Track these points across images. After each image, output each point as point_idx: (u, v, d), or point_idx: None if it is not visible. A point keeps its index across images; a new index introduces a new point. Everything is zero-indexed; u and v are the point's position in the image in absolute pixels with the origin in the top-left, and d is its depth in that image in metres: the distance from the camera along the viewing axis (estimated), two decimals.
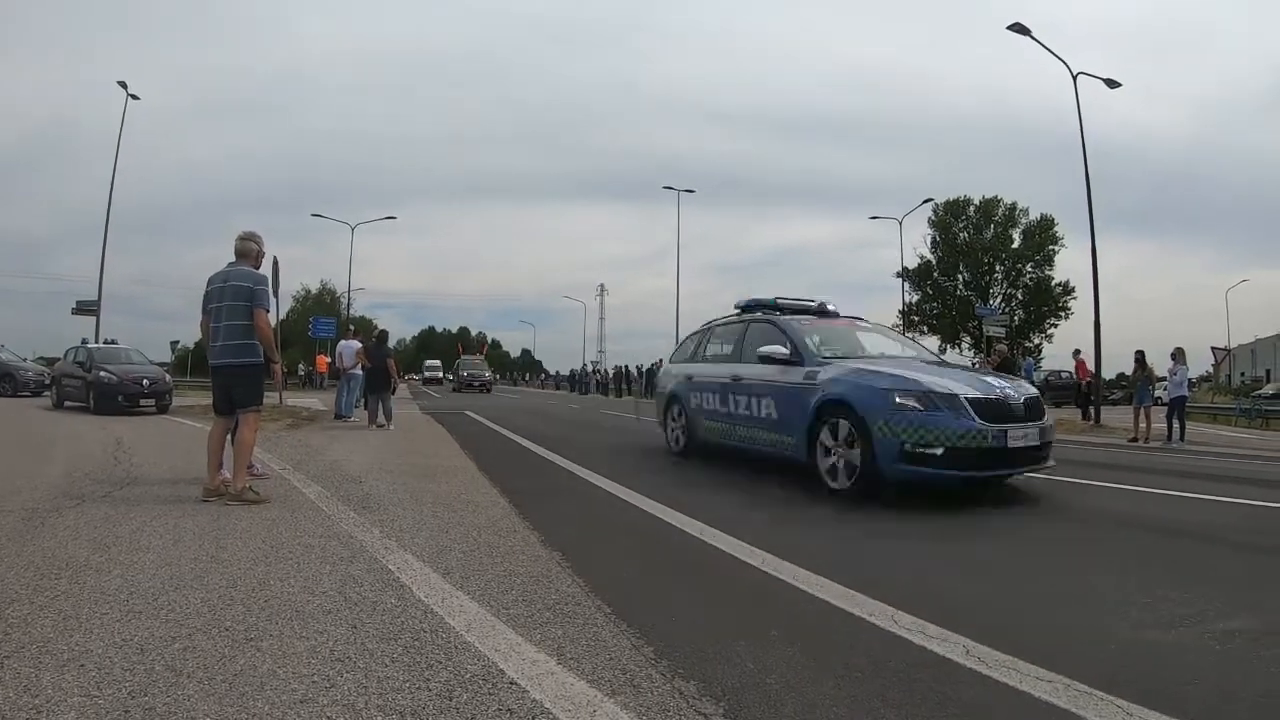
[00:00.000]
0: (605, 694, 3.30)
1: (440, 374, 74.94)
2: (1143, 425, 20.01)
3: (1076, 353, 31.61)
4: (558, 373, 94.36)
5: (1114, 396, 42.31)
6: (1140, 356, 21.71)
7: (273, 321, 8.29)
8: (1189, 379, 23.94)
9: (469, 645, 3.82)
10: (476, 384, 57.99)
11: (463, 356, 68.53)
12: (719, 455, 11.83)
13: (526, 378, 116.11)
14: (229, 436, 8.07)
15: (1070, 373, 47.17)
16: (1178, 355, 20.74)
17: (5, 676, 3.28)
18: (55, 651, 3.58)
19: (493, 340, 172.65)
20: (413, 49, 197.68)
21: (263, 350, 7.96)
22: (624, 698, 3.27)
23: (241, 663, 3.49)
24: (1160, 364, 22.42)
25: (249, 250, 8.22)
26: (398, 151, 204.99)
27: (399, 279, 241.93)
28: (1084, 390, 30.36)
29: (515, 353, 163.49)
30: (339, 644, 3.77)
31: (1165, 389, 21.53)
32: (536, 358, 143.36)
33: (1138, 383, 21.53)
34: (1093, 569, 5.88)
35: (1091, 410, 26.73)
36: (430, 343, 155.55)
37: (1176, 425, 19.94)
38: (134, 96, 35.97)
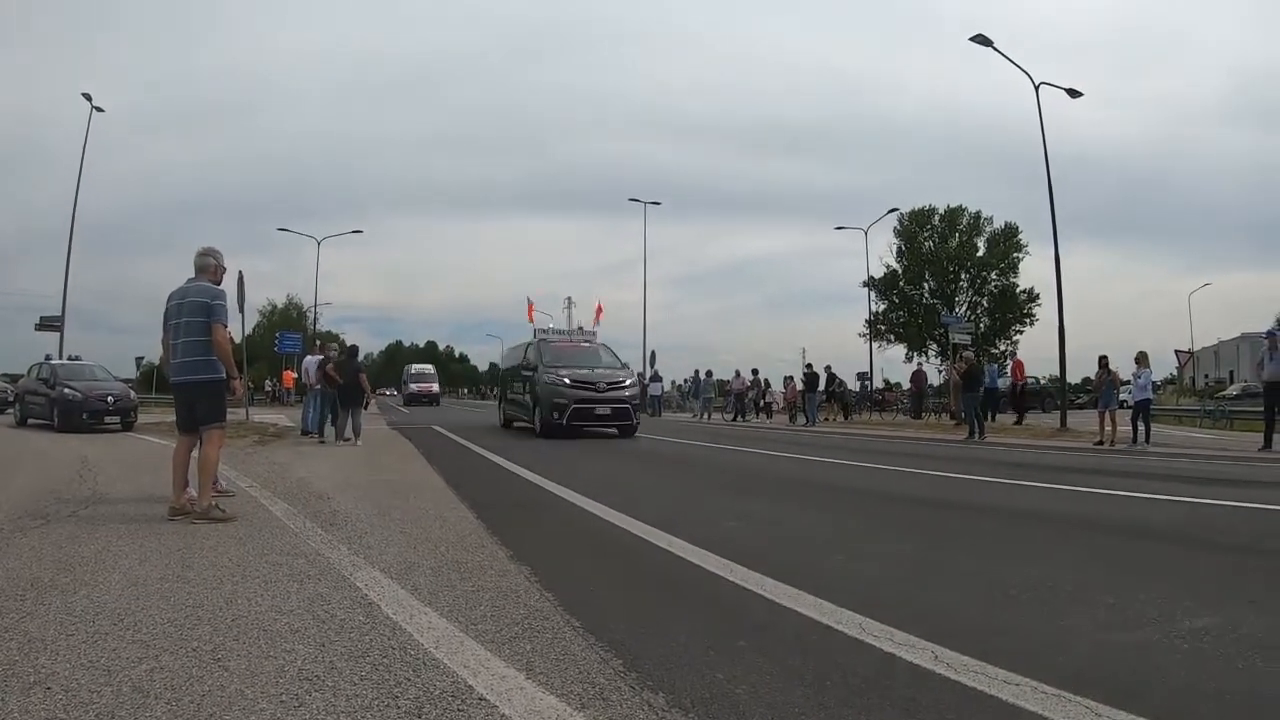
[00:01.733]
0: (574, 708, 3.29)
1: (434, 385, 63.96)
2: (1108, 429, 20.16)
3: (1012, 354, 32.23)
4: None
5: (1079, 401, 42.70)
6: (1104, 361, 21.93)
7: (238, 337, 8.24)
8: (1153, 382, 24.15)
9: (438, 662, 3.80)
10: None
11: (409, 367, 67.45)
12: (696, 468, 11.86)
13: (494, 391, 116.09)
14: (194, 454, 8.01)
15: (1036, 379, 47.75)
16: (1141, 359, 20.97)
17: None
18: (20, 674, 3.55)
19: (460, 354, 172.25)
20: (376, 58, 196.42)
21: (223, 366, 7.91)
22: (593, 711, 3.27)
23: (209, 683, 3.47)
24: (1124, 368, 22.66)
25: (207, 265, 8.17)
26: (361, 163, 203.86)
27: (365, 293, 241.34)
28: (1019, 393, 30.86)
29: (483, 366, 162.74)
30: (307, 663, 3.75)
31: (1130, 392, 21.73)
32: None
33: (1102, 387, 21.72)
34: (1058, 571, 5.92)
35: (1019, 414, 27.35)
36: (398, 357, 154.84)
37: (1142, 428, 20.11)
38: (98, 109, 35.86)
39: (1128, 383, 22.36)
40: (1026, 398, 33.08)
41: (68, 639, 4.06)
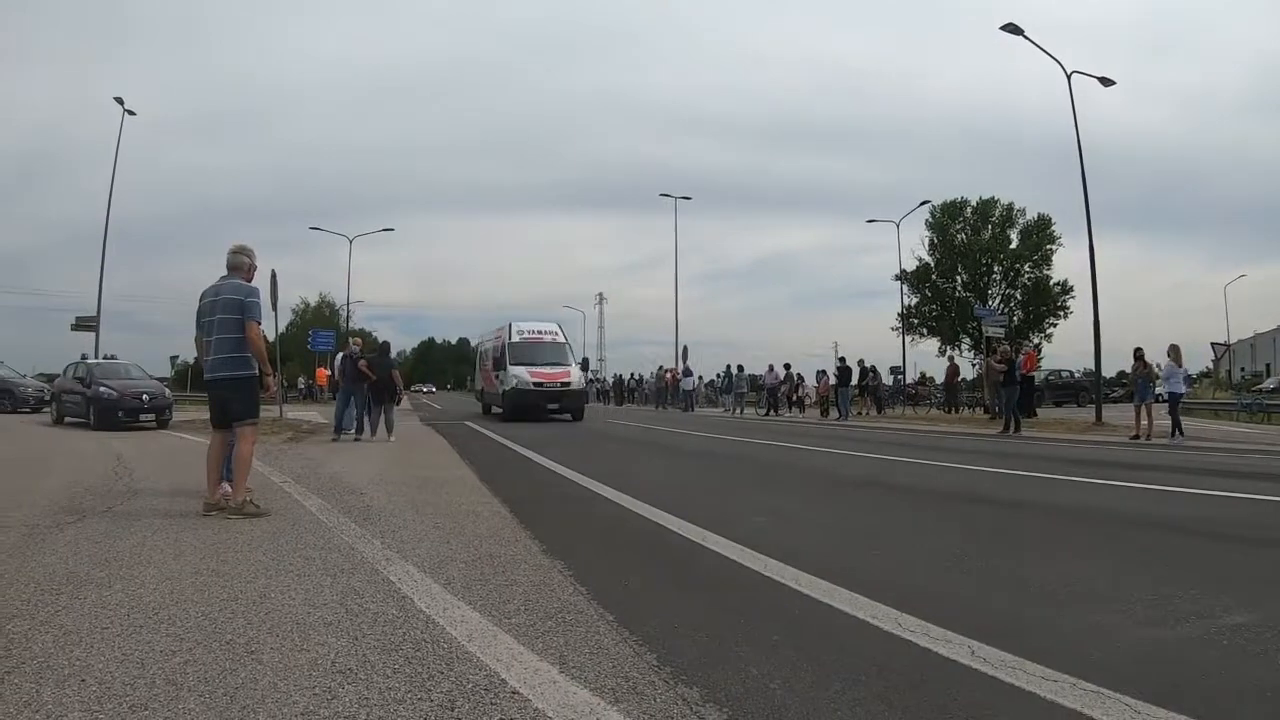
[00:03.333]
0: (608, 702, 3.27)
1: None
2: (1144, 423, 19.94)
3: (1026, 346, 31.86)
4: None
5: (1114, 395, 42.28)
6: (1139, 354, 21.69)
7: (271, 335, 8.27)
8: (1188, 376, 23.87)
9: (470, 655, 3.79)
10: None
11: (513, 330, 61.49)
12: (728, 461, 11.82)
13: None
14: (228, 450, 8.04)
15: (1071, 371, 47.32)
16: (1173, 353, 20.78)
17: (6, 693, 3.26)
18: (56, 667, 3.56)
19: None
20: (405, 64, 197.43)
21: (256, 363, 7.94)
22: (627, 705, 3.24)
23: (242, 675, 3.47)
24: (1159, 362, 22.40)
25: (240, 264, 8.19)
26: (390, 163, 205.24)
27: (396, 291, 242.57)
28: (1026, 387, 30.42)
29: None
30: (340, 656, 3.75)
31: (1163, 386, 21.48)
32: None
33: (1138, 380, 21.47)
34: (1094, 567, 5.87)
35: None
36: (430, 355, 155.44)
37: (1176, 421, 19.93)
38: (130, 112, 36.05)
39: (1162, 375, 22.08)
40: (1034, 390, 32.43)
41: (103, 632, 4.07)
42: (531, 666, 3.65)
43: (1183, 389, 20.96)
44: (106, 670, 3.52)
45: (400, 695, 3.30)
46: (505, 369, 29.39)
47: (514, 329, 31.02)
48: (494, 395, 31.81)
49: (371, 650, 3.85)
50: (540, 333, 31.55)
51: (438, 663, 3.69)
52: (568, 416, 29.19)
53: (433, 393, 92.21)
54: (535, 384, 28.68)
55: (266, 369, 8.11)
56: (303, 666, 3.60)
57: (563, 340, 32.11)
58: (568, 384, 29.42)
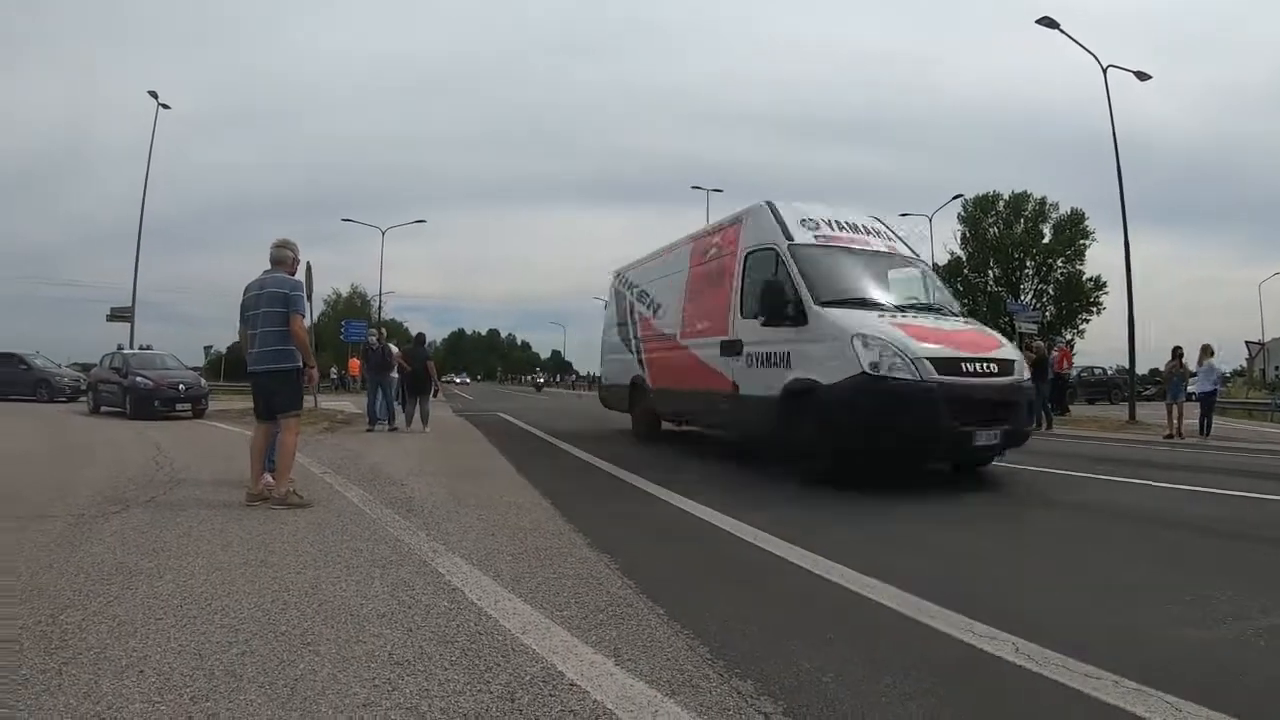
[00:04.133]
0: (665, 694, 3.30)
1: None
2: (1176, 421, 19.78)
3: (1059, 343, 31.45)
4: (589, 374, 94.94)
5: (1147, 392, 41.96)
6: (1177, 351, 21.50)
7: (307, 326, 8.29)
8: (1221, 374, 23.67)
9: (526, 647, 3.81)
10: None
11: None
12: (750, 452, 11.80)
13: (558, 378, 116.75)
14: (272, 441, 8.08)
15: (1104, 368, 46.99)
16: (1206, 351, 20.73)
17: (65, 683, 3.29)
18: (113, 658, 3.58)
19: (523, 342, 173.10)
20: (434, 59, 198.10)
21: (300, 355, 7.98)
22: (684, 697, 3.27)
23: (301, 667, 3.49)
24: (1191, 360, 22.19)
25: (284, 258, 8.24)
26: (422, 156, 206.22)
27: (427, 282, 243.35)
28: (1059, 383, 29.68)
29: (545, 354, 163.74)
30: (396, 647, 3.77)
31: (1195, 384, 21.29)
32: (567, 359, 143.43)
33: (1172, 378, 21.30)
34: (1132, 566, 5.88)
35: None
36: (460, 345, 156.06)
37: (1207, 421, 19.84)
38: (165, 106, 36.33)
39: (1195, 374, 21.86)
40: (1066, 387, 31.93)
41: (157, 623, 4.10)
42: (587, 659, 3.68)
43: (1213, 388, 20.78)
44: (164, 661, 3.55)
45: (460, 687, 3.32)
46: (811, 316, 10.01)
47: (791, 217, 11.66)
48: (724, 401, 11.95)
49: (427, 642, 3.87)
50: (863, 230, 12.19)
51: (494, 654, 3.71)
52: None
53: (467, 383, 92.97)
54: (944, 370, 9.21)
55: (310, 361, 8.16)
56: (360, 658, 3.62)
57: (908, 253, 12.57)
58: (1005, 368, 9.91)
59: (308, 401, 17.03)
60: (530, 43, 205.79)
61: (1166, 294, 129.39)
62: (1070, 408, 29.64)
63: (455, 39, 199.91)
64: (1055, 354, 26.53)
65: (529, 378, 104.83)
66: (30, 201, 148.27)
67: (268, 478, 7.90)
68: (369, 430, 18.08)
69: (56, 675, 3.37)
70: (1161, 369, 25.71)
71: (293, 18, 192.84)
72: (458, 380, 78.76)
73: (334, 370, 58.29)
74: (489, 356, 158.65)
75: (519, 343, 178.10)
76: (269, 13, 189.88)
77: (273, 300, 7.88)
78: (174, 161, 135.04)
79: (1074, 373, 40.28)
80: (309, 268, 19.47)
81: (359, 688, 3.28)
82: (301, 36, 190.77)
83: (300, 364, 8.00)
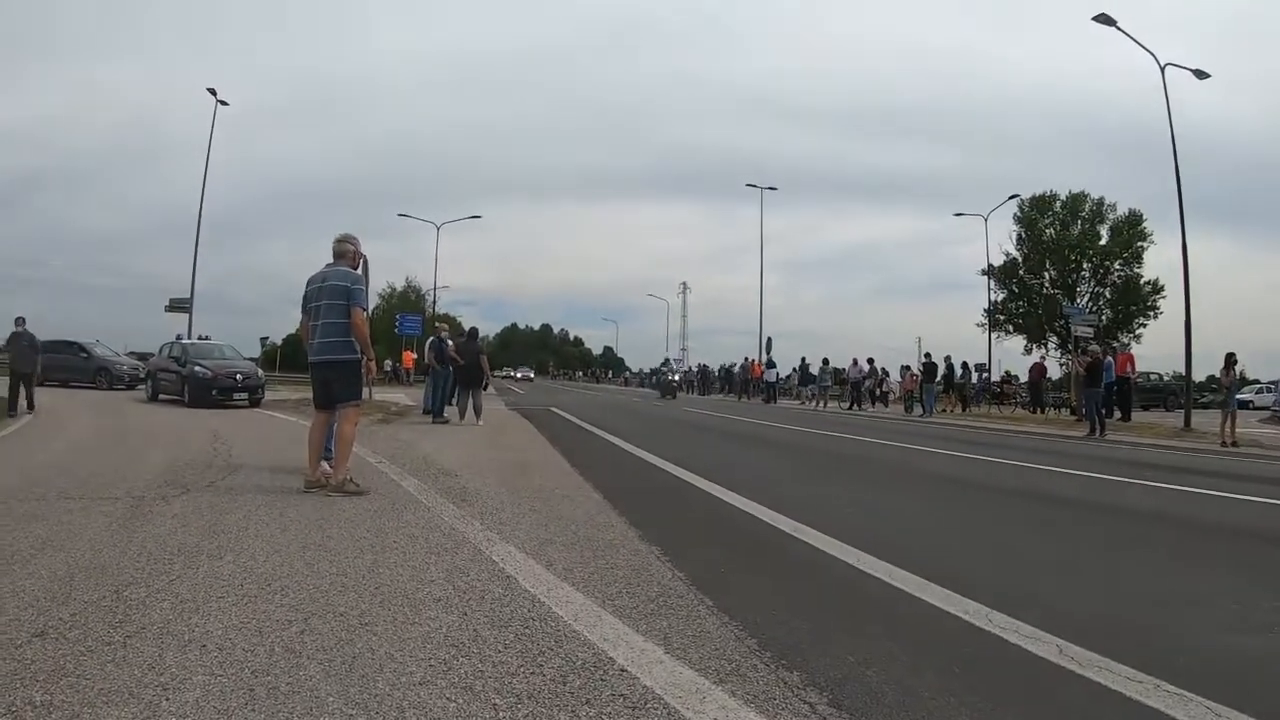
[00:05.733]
0: (713, 682, 3.33)
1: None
2: (1230, 429, 19.43)
3: (1119, 347, 30.83)
4: (641, 370, 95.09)
5: (1203, 399, 41.33)
6: (1230, 359, 21.09)
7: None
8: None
9: (577, 634, 3.86)
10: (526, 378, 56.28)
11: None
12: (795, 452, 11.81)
13: (610, 375, 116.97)
14: (329, 430, 8.20)
15: (1160, 374, 46.30)
16: None
17: (129, 655, 3.37)
18: (175, 632, 3.67)
19: (575, 337, 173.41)
20: (487, 54, 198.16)
21: (359, 347, 8.08)
22: (732, 685, 3.30)
23: (359, 646, 3.56)
24: (1254, 368, 21.92)
25: (345, 251, 8.37)
26: (476, 150, 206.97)
27: (479, 276, 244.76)
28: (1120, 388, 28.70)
29: (597, 349, 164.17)
30: (452, 630, 3.83)
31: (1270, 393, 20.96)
32: (619, 355, 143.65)
33: (1228, 386, 20.89)
34: (1179, 572, 5.93)
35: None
36: (512, 340, 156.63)
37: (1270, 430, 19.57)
38: (223, 103, 37.12)
39: (1254, 382, 21.52)
40: (1129, 393, 31.13)
41: (218, 601, 4.19)
42: (637, 647, 3.72)
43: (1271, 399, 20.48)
44: (226, 637, 3.62)
45: (513, 669, 3.37)
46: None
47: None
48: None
49: (482, 626, 3.92)
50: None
51: (547, 639, 3.76)
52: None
53: (530, 379, 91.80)
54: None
55: (369, 353, 8.25)
56: (416, 639, 3.69)
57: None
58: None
59: (364, 392, 17.23)
60: (588, 35, 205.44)
61: (1231, 299, 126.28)
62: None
63: (513, 32, 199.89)
64: (1110, 359, 26.04)
65: (579, 374, 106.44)
66: (101, 191, 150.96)
67: (325, 465, 8.02)
68: (432, 421, 18.37)
69: (121, 647, 3.46)
70: (1218, 376, 25.17)
71: (356, 11, 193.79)
72: (516, 375, 78.52)
73: (388, 362, 58.82)
74: (540, 352, 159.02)
75: (571, 338, 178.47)
76: (328, 4, 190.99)
77: (334, 293, 8.00)
78: (235, 154, 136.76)
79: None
80: (365, 262, 19.66)
81: (415, 667, 3.34)
82: (361, 29, 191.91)
83: (360, 356, 8.11)
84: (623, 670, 3.41)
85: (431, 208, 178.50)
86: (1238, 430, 19.79)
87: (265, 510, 6.79)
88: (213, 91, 36.78)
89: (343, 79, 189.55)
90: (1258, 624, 4.52)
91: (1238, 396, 21.36)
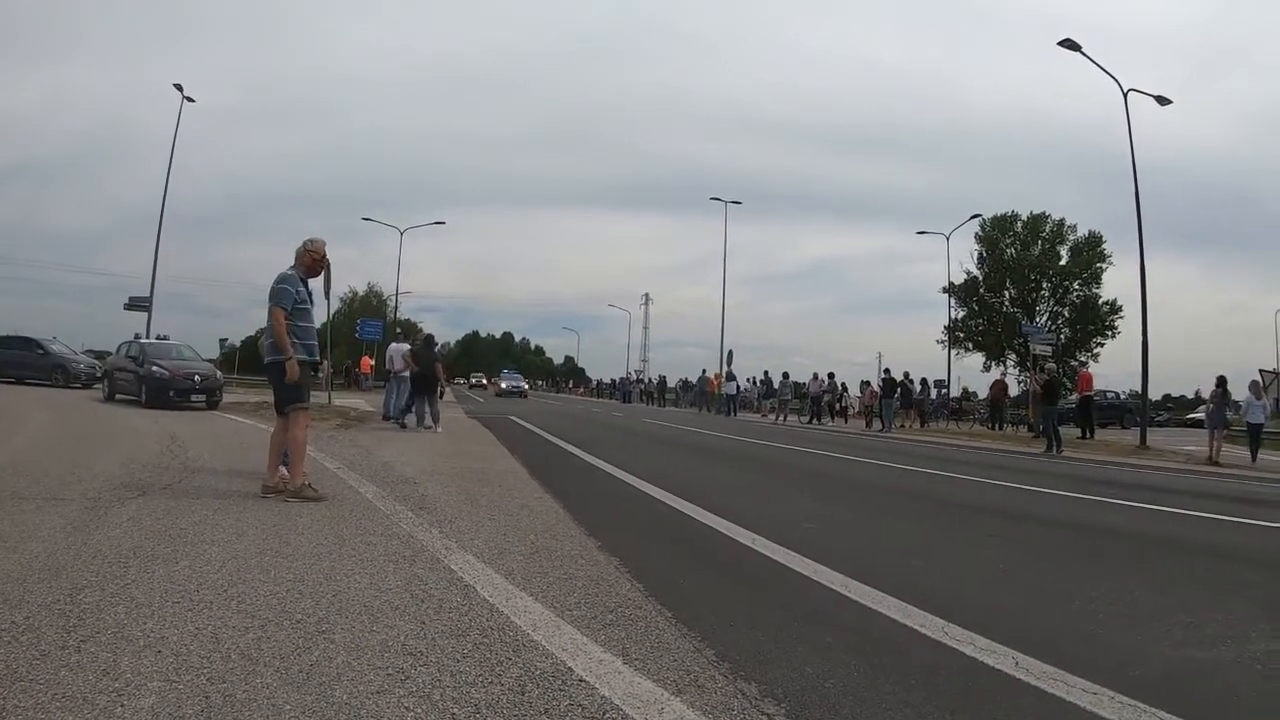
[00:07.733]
0: (671, 693, 3.36)
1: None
2: (1216, 449, 20.04)
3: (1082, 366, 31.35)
4: (599, 381, 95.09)
5: (1159, 418, 41.85)
6: (1221, 381, 21.78)
7: (318, 322, 8.33)
8: (1264, 406, 23.74)
9: (536, 644, 3.87)
10: (516, 392, 58.52)
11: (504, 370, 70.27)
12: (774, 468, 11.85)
13: (570, 384, 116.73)
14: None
15: (1116, 393, 46.80)
16: (1253, 386, 21.27)
17: (84, 660, 3.34)
18: (131, 638, 3.64)
19: (536, 346, 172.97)
20: (456, 58, 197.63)
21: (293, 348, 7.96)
22: (689, 697, 3.33)
23: (316, 654, 3.55)
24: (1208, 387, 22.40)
25: (297, 253, 8.33)
26: (441, 158, 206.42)
27: (442, 283, 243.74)
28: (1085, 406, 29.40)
29: (558, 359, 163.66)
30: (410, 639, 3.83)
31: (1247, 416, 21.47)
32: (580, 365, 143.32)
33: (1215, 407, 21.46)
34: (1135, 587, 5.96)
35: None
36: (474, 348, 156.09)
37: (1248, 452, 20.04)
38: (189, 99, 36.84)
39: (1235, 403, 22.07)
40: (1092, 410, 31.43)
41: (174, 606, 4.16)
42: (596, 657, 3.74)
43: (1262, 419, 20.93)
44: (181, 643, 3.60)
45: (472, 678, 3.38)
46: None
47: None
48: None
49: (440, 635, 3.93)
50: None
51: (505, 649, 3.77)
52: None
53: (523, 392, 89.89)
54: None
55: (286, 352, 7.89)
56: (374, 647, 3.68)
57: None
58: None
59: (321, 398, 17.11)
60: (557, 46, 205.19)
61: (1190, 320, 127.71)
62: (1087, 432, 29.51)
63: (485, 39, 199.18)
64: (1075, 378, 26.61)
65: (540, 383, 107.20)
66: (69, 188, 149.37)
67: (283, 470, 7.96)
68: (390, 421, 18.74)
69: (75, 652, 3.43)
70: (1173, 395, 25.72)
71: (323, 10, 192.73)
72: (503, 385, 77.41)
73: (346, 364, 58.47)
74: (502, 360, 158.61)
75: (533, 347, 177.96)
76: (299, 5, 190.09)
77: (269, 295, 7.97)
78: (198, 152, 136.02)
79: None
80: (328, 265, 19.57)
81: (373, 675, 3.34)
82: (332, 31, 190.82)
83: (293, 357, 7.96)
84: (581, 680, 3.43)
85: (398, 213, 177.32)
86: (1222, 450, 20.45)
87: (222, 514, 6.74)
88: (179, 87, 36.64)
89: (316, 81, 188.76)
90: (1208, 638, 4.62)
91: (1190, 416, 21.91)
